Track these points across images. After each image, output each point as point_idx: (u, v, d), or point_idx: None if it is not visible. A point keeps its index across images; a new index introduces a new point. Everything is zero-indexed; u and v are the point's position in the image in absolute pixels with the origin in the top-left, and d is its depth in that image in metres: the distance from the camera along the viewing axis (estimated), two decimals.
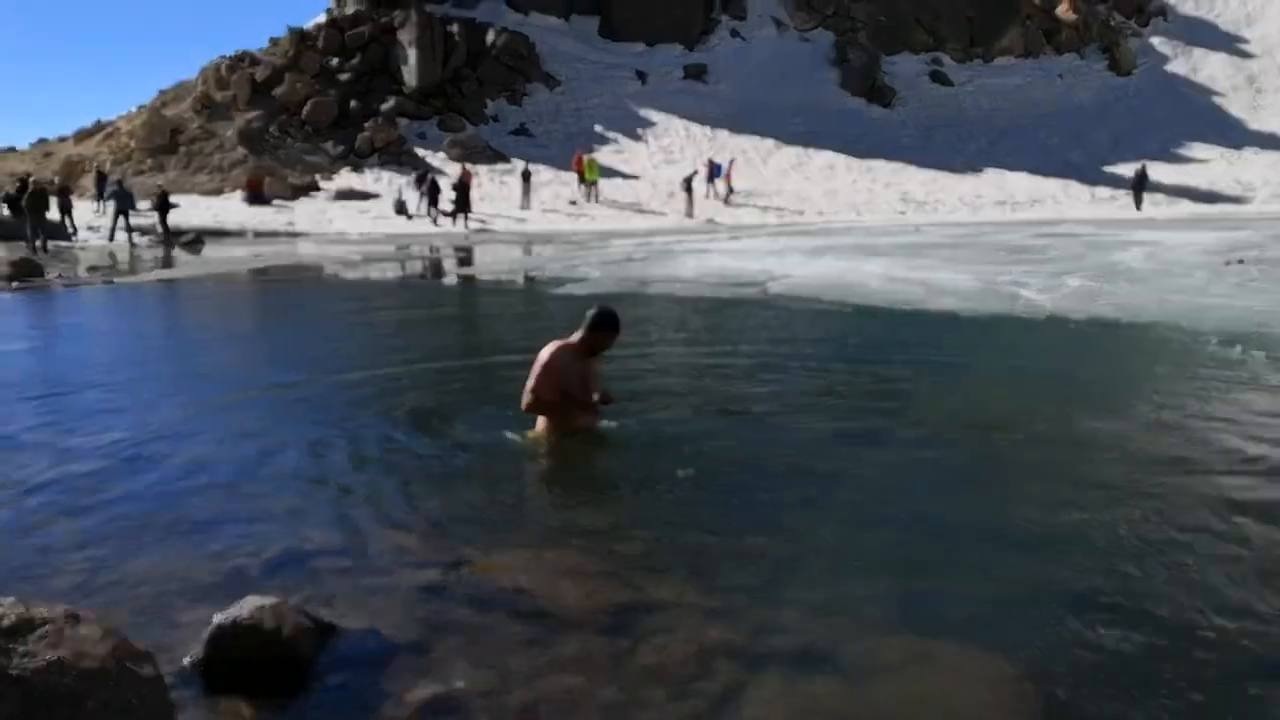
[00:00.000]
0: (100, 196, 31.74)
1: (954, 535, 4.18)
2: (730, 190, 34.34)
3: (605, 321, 5.36)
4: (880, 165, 38.39)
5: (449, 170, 34.87)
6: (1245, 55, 46.53)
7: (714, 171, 34.69)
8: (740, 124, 40.76)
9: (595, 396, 5.43)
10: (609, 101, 41.66)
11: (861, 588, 3.64)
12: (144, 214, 28.78)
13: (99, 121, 41.27)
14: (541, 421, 5.48)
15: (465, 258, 21.95)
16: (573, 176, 35.01)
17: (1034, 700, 2.87)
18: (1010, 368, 7.87)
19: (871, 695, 2.92)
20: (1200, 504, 4.42)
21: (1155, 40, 47.95)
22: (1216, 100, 43.85)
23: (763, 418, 6.14)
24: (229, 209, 32.34)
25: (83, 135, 40.48)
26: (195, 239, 26.23)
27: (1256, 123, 41.82)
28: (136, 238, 26.88)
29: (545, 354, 5.36)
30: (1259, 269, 13.71)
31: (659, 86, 42.95)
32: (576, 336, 5.39)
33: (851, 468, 5.10)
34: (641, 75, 43.43)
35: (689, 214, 31.93)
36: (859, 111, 42.70)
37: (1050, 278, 13.45)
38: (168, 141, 36.61)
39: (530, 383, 5.35)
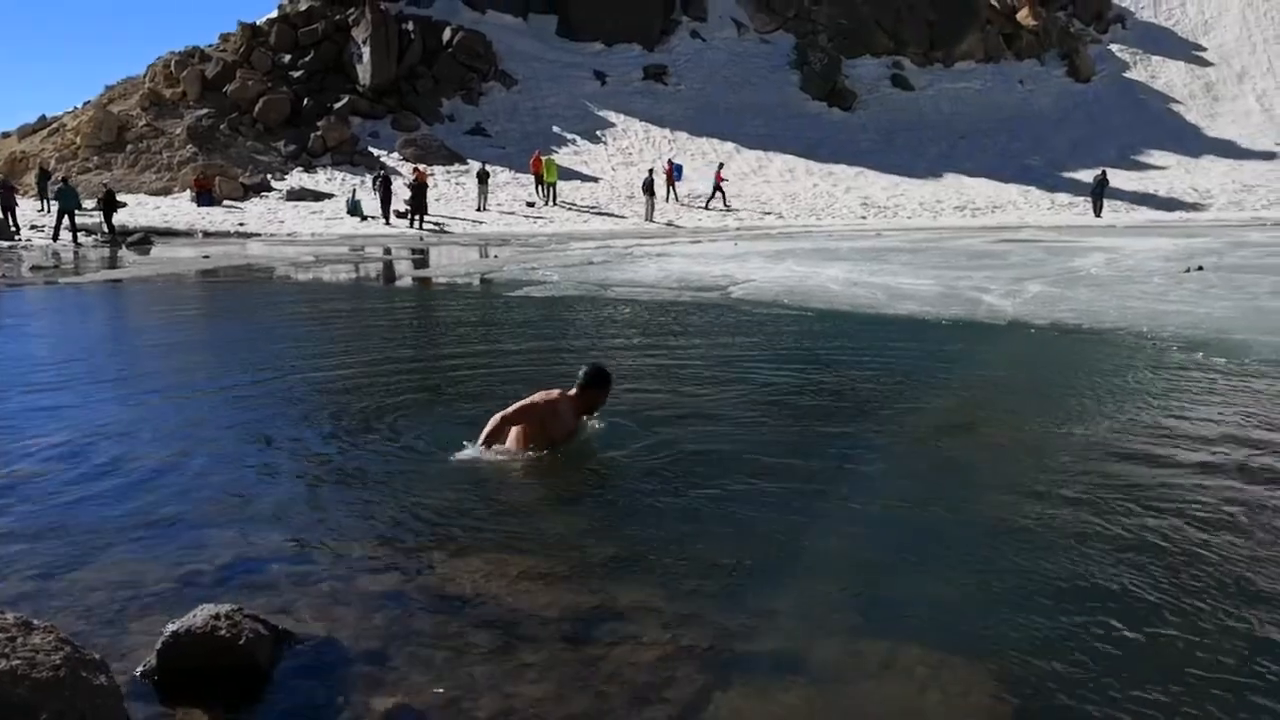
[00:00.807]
0: (44, 195, 31.03)
1: (921, 538, 4.19)
2: (720, 192, 33.89)
3: (601, 379, 5.38)
4: (841, 169, 38.71)
5: (404, 170, 34.58)
6: (1203, 63, 47.63)
7: (675, 173, 34.66)
8: (700, 126, 40.91)
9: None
10: (567, 101, 41.57)
11: (829, 591, 3.63)
12: (89, 213, 28.18)
13: (44, 117, 40.34)
14: (513, 435, 5.31)
15: (420, 260, 21.75)
16: (530, 178, 34.88)
17: (1005, 703, 2.87)
18: (973, 372, 7.93)
19: (841, 700, 2.91)
20: (1166, 506, 4.47)
21: (1114, 47, 48.91)
22: (1174, 107, 44.83)
23: (728, 422, 6.12)
24: (178, 209, 31.78)
25: (27, 131, 39.52)
26: (143, 239, 25.74)
27: (1214, 130, 42.83)
28: (82, 237, 26.32)
29: (547, 394, 5.29)
30: (1217, 276, 13.98)
31: (618, 87, 42.95)
32: (574, 391, 5.37)
33: (817, 472, 5.09)
34: (600, 75, 43.40)
35: (649, 217, 31.95)
36: (819, 115, 43.04)
37: (1011, 283, 13.59)
38: (114, 139, 35.86)
39: (512, 409, 5.22)
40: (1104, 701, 2.86)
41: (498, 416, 5.24)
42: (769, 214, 33.14)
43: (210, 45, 40.80)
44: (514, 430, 5.27)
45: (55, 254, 22.93)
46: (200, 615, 3.05)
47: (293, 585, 3.68)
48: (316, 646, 3.21)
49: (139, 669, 3.02)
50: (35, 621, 2.60)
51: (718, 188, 33.91)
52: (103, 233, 26.79)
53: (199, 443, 5.72)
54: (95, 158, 35.31)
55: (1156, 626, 3.30)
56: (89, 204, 29.18)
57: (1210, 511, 4.40)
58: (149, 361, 8.99)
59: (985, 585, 3.67)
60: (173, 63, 39.09)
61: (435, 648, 3.20)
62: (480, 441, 5.23)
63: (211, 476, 5.08)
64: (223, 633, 3.00)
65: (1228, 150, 40.95)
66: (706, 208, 33.71)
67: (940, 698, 2.89)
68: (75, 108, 40.64)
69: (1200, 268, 14.76)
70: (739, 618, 3.39)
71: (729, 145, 39.68)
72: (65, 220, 26.25)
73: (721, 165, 35.05)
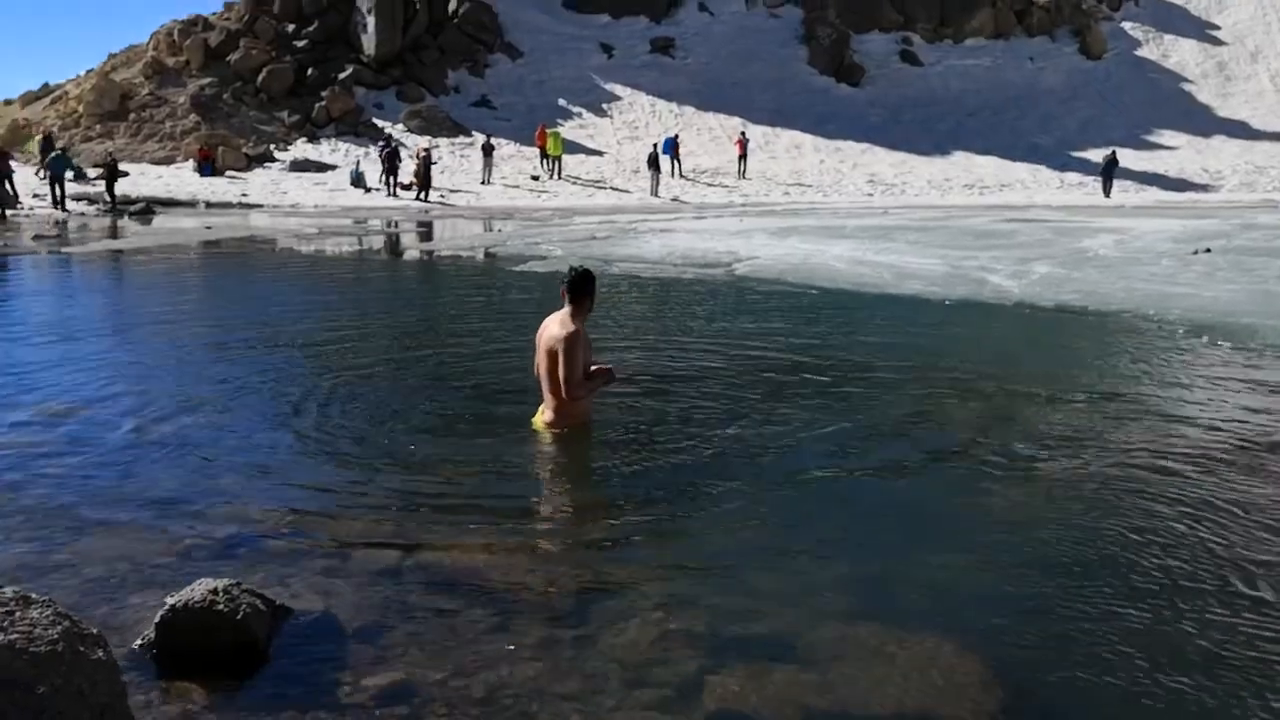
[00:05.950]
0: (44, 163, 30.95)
1: (918, 524, 4.19)
2: (743, 160, 34.16)
3: (585, 280, 5.12)
4: (848, 146, 38.39)
5: (408, 142, 34.41)
6: (1216, 42, 47.00)
7: (664, 147, 34.15)
8: (707, 101, 40.57)
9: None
10: (573, 74, 41.25)
11: (825, 574, 3.63)
12: (93, 182, 28.12)
13: (46, 85, 40.15)
14: (550, 412, 5.21)
15: (424, 232, 21.70)
16: (535, 151, 34.68)
17: (996, 687, 2.88)
18: (977, 354, 7.90)
19: (833, 683, 2.91)
20: (1165, 491, 4.46)
21: (1126, 25, 48.25)
22: (1186, 87, 44.23)
23: (728, 401, 6.11)
24: (180, 178, 31.66)
25: (30, 99, 39.34)
26: (145, 209, 25.68)
27: (1225, 110, 42.29)
28: (85, 206, 26.26)
29: (562, 334, 5.00)
30: (1225, 258, 13.88)
31: (624, 60, 42.59)
32: (566, 310, 5.12)
33: (817, 454, 5.08)
34: (607, 48, 43.05)
35: (654, 192, 31.80)
36: (827, 90, 42.62)
37: (1018, 264, 13.50)
38: (117, 107, 35.68)
39: (564, 370, 4.96)
40: (1096, 688, 2.86)
41: (580, 391, 5.06)
42: (769, 192, 33.01)
43: (214, 14, 40.50)
44: (552, 402, 5.18)
45: (57, 223, 22.87)
46: (198, 590, 3.05)
47: (291, 560, 3.70)
48: (313, 622, 3.22)
49: (137, 642, 3.03)
50: (34, 595, 2.59)
51: (742, 156, 34.06)
52: (104, 202, 26.73)
53: (198, 417, 5.73)
54: (98, 126, 35.15)
55: (1152, 614, 3.29)
56: (92, 173, 29.09)
57: (1210, 497, 4.39)
58: (149, 333, 8.96)
59: (980, 570, 3.67)
60: (176, 31, 38.82)
61: (431, 625, 3.21)
62: (544, 419, 5.22)
63: (210, 450, 5.08)
64: (220, 607, 3.01)
65: (1240, 131, 40.49)
66: (743, 177, 33.94)
67: (932, 681, 2.90)
68: (78, 75, 40.44)
69: (1209, 250, 14.65)
70: (733, 600, 3.40)
71: (736, 120, 39.37)
72: (58, 189, 26.18)
73: (745, 136, 35.00)
